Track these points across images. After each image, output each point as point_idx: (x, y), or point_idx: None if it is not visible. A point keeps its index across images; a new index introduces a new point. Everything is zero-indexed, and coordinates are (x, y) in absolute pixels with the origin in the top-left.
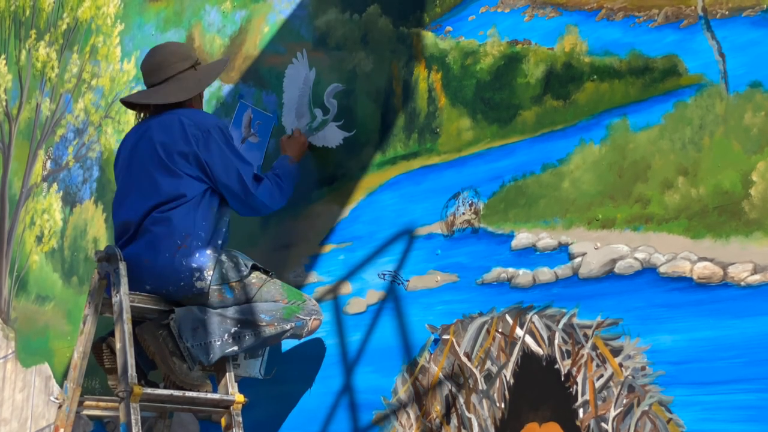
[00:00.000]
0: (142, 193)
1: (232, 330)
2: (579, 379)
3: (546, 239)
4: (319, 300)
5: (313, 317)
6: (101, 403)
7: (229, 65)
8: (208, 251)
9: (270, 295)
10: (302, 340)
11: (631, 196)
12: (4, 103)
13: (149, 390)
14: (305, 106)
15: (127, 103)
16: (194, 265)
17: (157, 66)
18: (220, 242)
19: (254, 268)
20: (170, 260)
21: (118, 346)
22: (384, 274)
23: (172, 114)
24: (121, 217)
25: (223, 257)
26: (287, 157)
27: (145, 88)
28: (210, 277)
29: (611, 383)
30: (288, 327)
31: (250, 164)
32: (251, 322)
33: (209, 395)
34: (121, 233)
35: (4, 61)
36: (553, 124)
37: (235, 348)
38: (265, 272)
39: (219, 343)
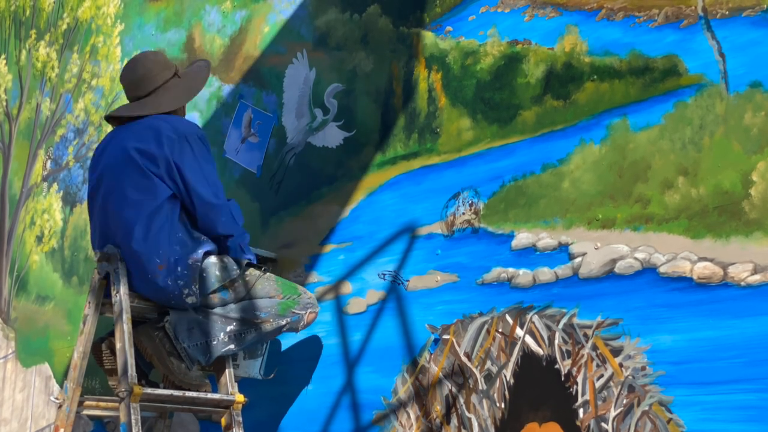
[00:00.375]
0: (115, 206)
1: (228, 329)
2: (579, 379)
3: (546, 239)
4: (319, 300)
5: (309, 310)
6: (101, 403)
7: (210, 68)
8: (190, 262)
9: (265, 291)
10: (300, 333)
11: (631, 196)
12: (4, 103)
13: (149, 390)
14: (305, 106)
15: (112, 118)
16: (180, 282)
17: (141, 78)
18: (201, 243)
19: (249, 264)
20: (154, 280)
21: (118, 346)
22: (384, 274)
23: (151, 119)
24: (98, 229)
25: (208, 263)
26: None
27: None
28: (198, 291)
29: (611, 383)
30: (284, 322)
31: (220, 184)
32: (247, 320)
33: (209, 395)
34: (102, 243)
35: (5, 61)
36: (553, 124)
37: (232, 347)
38: (258, 268)
39: (215, 342)
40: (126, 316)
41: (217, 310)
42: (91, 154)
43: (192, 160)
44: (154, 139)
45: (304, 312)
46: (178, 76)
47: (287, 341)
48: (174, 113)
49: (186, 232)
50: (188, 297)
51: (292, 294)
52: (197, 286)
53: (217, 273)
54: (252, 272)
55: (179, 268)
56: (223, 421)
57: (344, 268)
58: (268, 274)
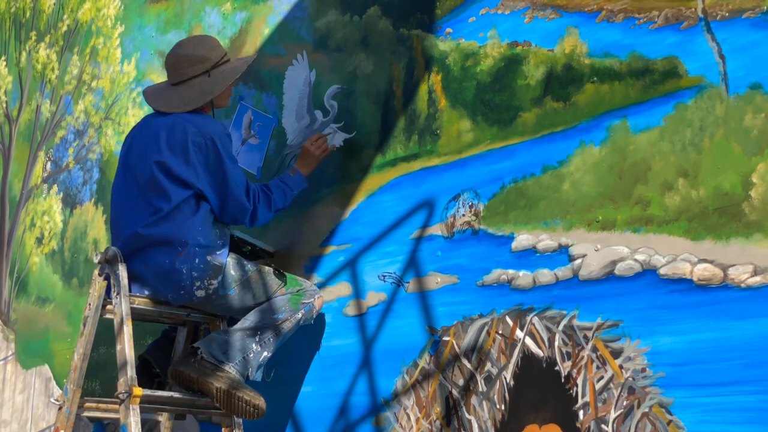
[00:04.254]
0: (138, 196)
1: (257, 338)
2: (579, 381)
3: (546, 241)
4: None
5: (316, 296)
6: (101, 405)
7: (250, 66)
8: (209, 257)
9: (269, 287)
10: (299, 334)
11: (631, 198)
12: (4, 105)
13: (149, 391)
14: (305, 108)
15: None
16: (194, 273)
17: (172, 67)
18: (223, 245)
19: (251, 256)
20: (170, 267)
21: (118, 347)
22: (384, 276)
23: (178, 117)
24: (117, 220)
25: (228, 263)
26: (293, 169)
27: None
28: (212, 287)
29: (611, 385)
30: (300, 315)
31: (244, 176)
32: (269, 325)
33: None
34: (116, 236)
35: (5, 63)
36: (553, 125)
37: (266, 353)
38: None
39: (252, 355)
40: (127, 318)
41: (238, 325)
42: (91, 155)
43: (217, 161)
44: (181, 145)
45: (312, 299)
46: (208, 74)
47: (287, 342)
48: (201, 109)
49: (213, 227)
50: (198, 290)
51: (294, 286)
52: (210, 282)
53: (232, 271)
54: (263, 268)
55: (197, 260)
56: (224, 423)
57: (344, 269)
58: (266, 268)
